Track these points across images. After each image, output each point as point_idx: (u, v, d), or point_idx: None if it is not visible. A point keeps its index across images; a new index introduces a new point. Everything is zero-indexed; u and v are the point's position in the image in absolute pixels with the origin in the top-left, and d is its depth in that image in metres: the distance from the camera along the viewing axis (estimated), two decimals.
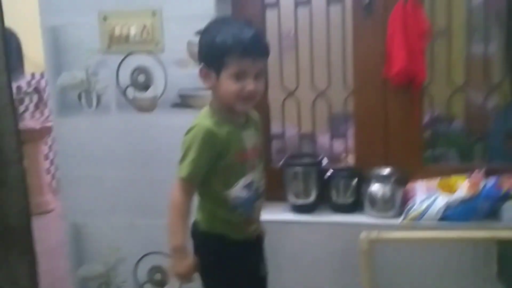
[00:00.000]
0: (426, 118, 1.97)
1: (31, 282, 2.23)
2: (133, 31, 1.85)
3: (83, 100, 1.93)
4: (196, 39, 1.43)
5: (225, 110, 1.39)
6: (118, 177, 1.96)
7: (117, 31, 1.86)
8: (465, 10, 1.87)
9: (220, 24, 1.39)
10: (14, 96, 4.44)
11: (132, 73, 1.87)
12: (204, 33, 1.40)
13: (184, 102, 1.84)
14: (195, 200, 1.45)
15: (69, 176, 2.02)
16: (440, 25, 1.88)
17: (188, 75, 1.82)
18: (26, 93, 4.50)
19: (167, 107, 1.86)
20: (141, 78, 1.86)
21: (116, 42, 1.87)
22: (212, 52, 1.35)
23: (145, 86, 1.87)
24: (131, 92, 1.89)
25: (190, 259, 1.40)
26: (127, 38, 1.85)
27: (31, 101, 4.52)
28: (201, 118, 1.40)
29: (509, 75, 1.97)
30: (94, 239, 2.04)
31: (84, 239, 2.05)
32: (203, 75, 1.38)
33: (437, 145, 2.05)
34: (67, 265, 2.13)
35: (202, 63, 1.38)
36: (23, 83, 4.49)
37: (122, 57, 1.87)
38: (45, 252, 2.74)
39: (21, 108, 4.48)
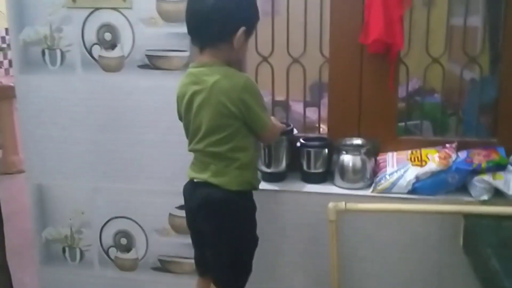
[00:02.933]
0: (402, 89, 1.93)
1: None
2: None
3: (47, 57, 1.85)
4: None
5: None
6: (83, 139, 1.90)
7: None
8: None
9: None
10: None
11: (98, 31, 1.79)
12: None
13: (152, 63, 1.77)
14: (210, 168, 1.52)
15: (32, 136, 1.95)
16: None
17: (157, 34, 1.74)
18: (0, 49, 4.37)
19: (134, 68, 1.79)
20: (108, 36, 1.78)
21: None
22: (255, 16, 1.53)
23: (112, 45, 1.79)
24: (97, 51, 1.81)
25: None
26: None
27: (5, 57, 4.39)
28: (235, 71, 1.51)
29: (487, 48, 1.93)
30: (59, 201, 2.00)
31: (49, 201, 2.00)
32: (240, 35, 1.46)
33: (412, 117, 2.02)
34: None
35: (245, 25, 1.46)
36: None
37: (88, 13, 1.78)
38: (14, 212, 2.70)
39: None
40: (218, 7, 1.43)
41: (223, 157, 1.51)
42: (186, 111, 1.53)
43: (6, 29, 4.28)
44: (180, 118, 1.59)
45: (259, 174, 1.84)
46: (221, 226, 1.53)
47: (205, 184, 1.52)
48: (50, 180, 1.98)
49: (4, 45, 4.34)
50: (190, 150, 1.57)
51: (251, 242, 1.61)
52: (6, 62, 4.40)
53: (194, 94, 1.49)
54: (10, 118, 4.31)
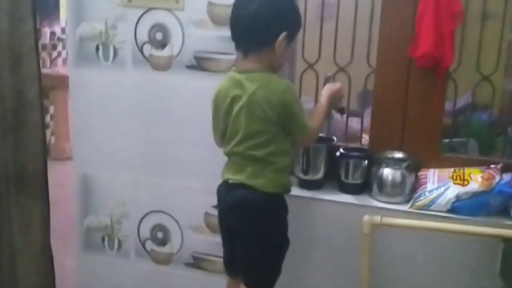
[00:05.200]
0: (449, 105, 1.89)
1: (42, 225, 2.30)
2: None
3: (100, 52, 1.92)
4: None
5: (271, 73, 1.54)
6: (129, 133, 1.97)
7: None
8: None
9: None
10: (48, 41, 4.52)
11: (150, 30, 1.84)
12: (287, 2, 1.52)
13: (199, 64, 1.81)
14: (246, 170, 1.55)
15: (81, 127, 2.04)
16: (476, 9, 1.78)
17: (206, 36, 1.78)
18: (60, 39, 4.55)
19: (181, 68, 1.83)
20: (159, 35, 1.83)
21: None
22: (297, 22, 1.56)
23: (162, 44, 1.84)
24: (147, 49, 1.86)
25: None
26: None
27: (64, 47, 4.57)
28: (277, 77, 1.53)
29: None
30: (102, 191, 2.07)
31: (92, 190, 2.08)
32: (281, 40, 1.49)
33: (457, 135, 1.97)
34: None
35: (286, 31, 1.49)
36: (57, 29, 4.53)
37: (142, 12, 1.83)
38: (62, 197, 2.81)
39: (54, 54, 4.55)
40: (260, 13, 1.46)
41: (261, 161, 1.53)
42: (226, 114, 1.56)
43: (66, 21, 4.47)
44: (213, 117, 1.64)
45: (295, 180, 1.85)
46: (254, 227, 1.55)
47: (240, 185, 1.55)
48: (95, 170, 2.06)
49: (64, 36, 4.52)
50: (227, 153, 1.60)
51: (283, 244, 1.62)
52: (64, 52, 4.58)
53: (235, 99, 1.52)
54: (64, 107, 4.47)
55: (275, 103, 1.47)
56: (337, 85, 1.69)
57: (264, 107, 1.47)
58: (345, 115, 1.90)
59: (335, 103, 1.70)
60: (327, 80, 1.72)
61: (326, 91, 1.67)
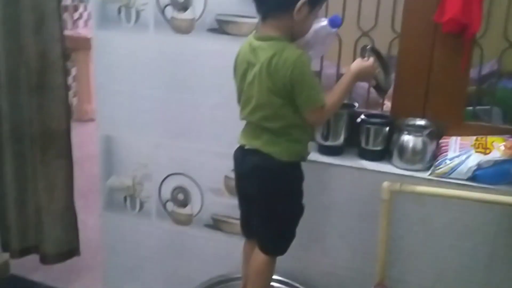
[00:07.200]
0: (474, 72, 1.85)
1: (67, 185, 2.36)
2: None
3: (123, 14, 1.92)
4: None
5: (289, 42, 1.48)
6: (151, 96, 1.98)
7: None
8: None
9: None
10: (70, 2, 4.51)
11: None
12: None
13: (221, 27, 1.80)
14: (263, 136, 1.54)
15: (105, 88, 2.06)
16: None
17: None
18: (81, 1, 4.54)
19: (203, 31, 1.82)
20: None
21: None
22: None
23: (184, 7, 1.82)
24: (169, 11, 1.85)
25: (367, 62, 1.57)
26: None
27: (85, 9, 4.56)
28: (291, 47, 1.45)
29: None
30: (124, 153, 2.11)
31: (115, 151, 2.12)
32: (300, 7, 1.43)
33: (481, 102, 1.94)
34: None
35: None
36: None
37: None
38: (84, 157, 2.87)
39: (75, 15, 4.55)
40: None
41: (276, 131, 1.53)
42: (241, 79, 1.55)
43: None
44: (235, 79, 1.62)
45: (314, 146, 1.86)
46: (269, 194, 1.57)
47: (256, 152, 1.55)
48: (117, 132, 2.09)
49: None
50: (243, 119, 1.60)
51: (297, 210, 1.64)
52: (86, 14, 4.58)
53: (249, 66, 1.50)
54: (86, 68, 4.51)
55: (284, 72, 1.43)
56: (369, 61, 1.57)
57: (274, 78, 1.44)
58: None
59: (363, 80, 1.62)
60: (362, 52, 1.61)
61: (355, 66, 1.56)
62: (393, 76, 1.77)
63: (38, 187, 2.30)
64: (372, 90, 1.78)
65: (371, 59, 1.58)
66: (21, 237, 2.40)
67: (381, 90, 1.69)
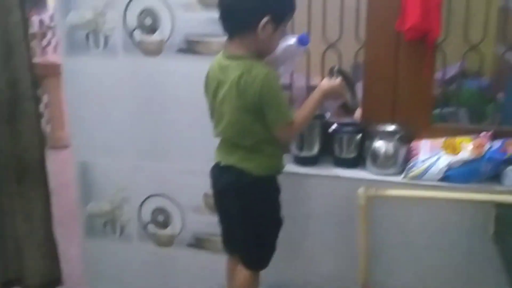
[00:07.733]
0: (440, 75, 1.91)
1: (45, 215, 2.33)
2: None
3: (91, 40, 1.93)
4: None
5: (257, 59, 1.49)
6: (124, 119, 1.99)
7: None
8: None
9: None
10: (37, 29, 4.47)
11: (140, 15, 1.85)
12: None
13: (190, 47, 1.82)
14: (237, 152, 1.56)
15: (78, 114, 2.05)
16: None
17: (196, 19, 1.79)
18: (49, 27, 4.51)
19: (173, 52, 1.84)
20: (148, 20, 1.84)
21: None
22: (283, 6, 1.48)
23: (152, 29, 1.85)
24: (138, 35, 1.87)
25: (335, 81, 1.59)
26: None
27: (53, 35, 4.53)
28: (258, 65, 1.48)
29: None
30: (102, 177, 2.10)
31: (92, 177, 2.11)
32: (264, 25, 1.44)
33: (448, 104, 2.00)
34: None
35: (269, 15, 1.43)
36: (45, 17, 4.49)
37: None
38: (61, 185, 2.83)
39: (44, 42, 4.52)
40: None
41: (249, 148, 1.55)
42: (213, 97, 1.57)
43: (55, 10, 4.42)
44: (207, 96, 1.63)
45: (290, 157, 1.88)
46: (247, 209, 1.59)
47: (231, 168, 1.57)
48: (93, 157, 2.08)
49: (53, 24, 4.48)
50: (217, 136, 1.62)
51: (276, 223, 1.66)
52: (54, 40, 4.54)
53: (220, 84, 1.52)
54: (57, 95, 4.46)
55: (253, 91, 1.45)
56: (337, 81, 1.60)
57: (243, 96, 1.47)
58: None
59: (331, 99, 1.63)
60: (330, 73, 1.64)
61: (323, 84, 1.59)
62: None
63: (16, 219, 2.27)
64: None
65: (338, 79, 1.61)
66: (3, 270, 2.35)
67: (348, 109, 1.73)
